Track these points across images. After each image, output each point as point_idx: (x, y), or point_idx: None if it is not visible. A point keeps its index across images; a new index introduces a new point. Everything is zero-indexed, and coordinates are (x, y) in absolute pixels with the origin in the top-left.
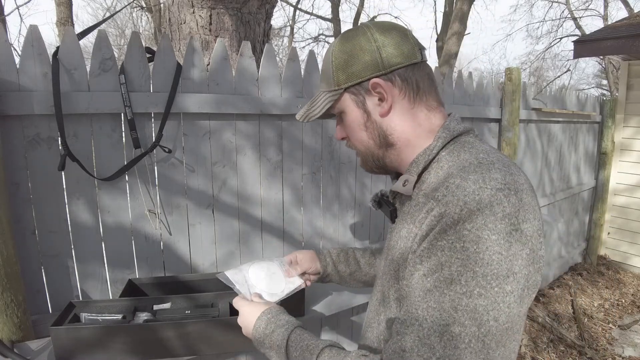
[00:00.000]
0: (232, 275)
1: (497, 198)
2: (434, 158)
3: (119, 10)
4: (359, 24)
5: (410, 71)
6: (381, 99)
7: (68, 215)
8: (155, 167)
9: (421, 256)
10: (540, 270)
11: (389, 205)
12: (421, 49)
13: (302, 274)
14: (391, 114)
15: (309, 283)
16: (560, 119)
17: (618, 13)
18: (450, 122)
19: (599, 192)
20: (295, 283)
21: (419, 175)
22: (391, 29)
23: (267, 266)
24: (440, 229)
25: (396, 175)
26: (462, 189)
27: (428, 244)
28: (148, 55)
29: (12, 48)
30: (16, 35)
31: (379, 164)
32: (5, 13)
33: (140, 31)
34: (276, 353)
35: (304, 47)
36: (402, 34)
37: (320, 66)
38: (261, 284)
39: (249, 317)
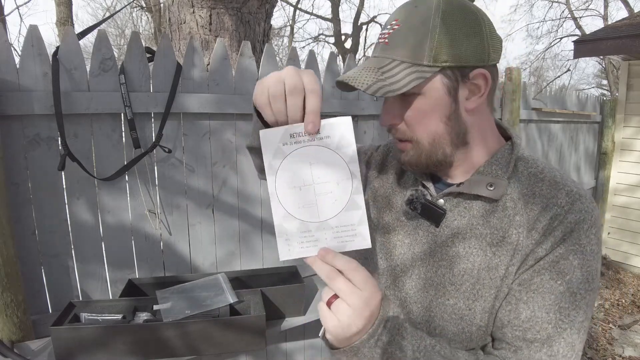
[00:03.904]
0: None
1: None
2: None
3: (119, 10)
4: None
5: (495, 66)
6: (472, 92)
7: (68, 215)
8: (155, 167)
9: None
10: None
11: (437, 208)
12: None
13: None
14: (476, 110)
15: None
16: (561, 119)
17: (618, 13)
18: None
19: (599, 192)
20: None
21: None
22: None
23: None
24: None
25: (426, 175)
26: (582, 197)
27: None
28: (148, 55)
29: (12, 48)
30: (16, 35)
31: (436, 162)
32: (5, 13)
33: (140, 31)
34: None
35: (304, 47)
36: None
37: (321, 61)
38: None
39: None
